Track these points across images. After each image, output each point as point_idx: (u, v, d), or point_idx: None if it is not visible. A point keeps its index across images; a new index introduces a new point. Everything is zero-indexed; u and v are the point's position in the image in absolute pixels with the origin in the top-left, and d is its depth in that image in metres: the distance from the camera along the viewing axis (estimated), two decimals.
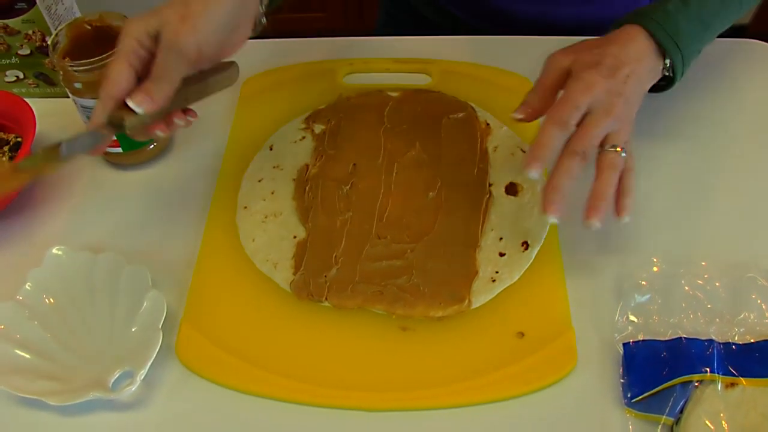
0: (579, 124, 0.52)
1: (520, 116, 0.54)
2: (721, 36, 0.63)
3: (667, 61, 0.56)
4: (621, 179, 0.53)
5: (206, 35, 0.49)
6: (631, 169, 0.53)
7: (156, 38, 0.48)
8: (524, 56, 0.66)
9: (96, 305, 0.54)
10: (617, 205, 0.53)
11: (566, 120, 0.51)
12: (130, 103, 0.47)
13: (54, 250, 0.55)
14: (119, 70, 0.48)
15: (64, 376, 0.50)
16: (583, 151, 0.51)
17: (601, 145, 0.52)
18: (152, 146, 0.64)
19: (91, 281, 0.54)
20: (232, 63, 0.56)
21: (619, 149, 0.52)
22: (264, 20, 0.55)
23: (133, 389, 0.48)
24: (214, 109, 0.69)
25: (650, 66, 0.55)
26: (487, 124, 0.64)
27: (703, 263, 0.54)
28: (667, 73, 0.57)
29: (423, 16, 0.86)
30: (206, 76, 0.54)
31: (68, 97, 0.60)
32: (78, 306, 0.54)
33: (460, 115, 0.64)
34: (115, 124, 0.48)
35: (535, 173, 0.51)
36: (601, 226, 0.51)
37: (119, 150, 0.62)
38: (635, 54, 0.54)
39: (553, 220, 0.51)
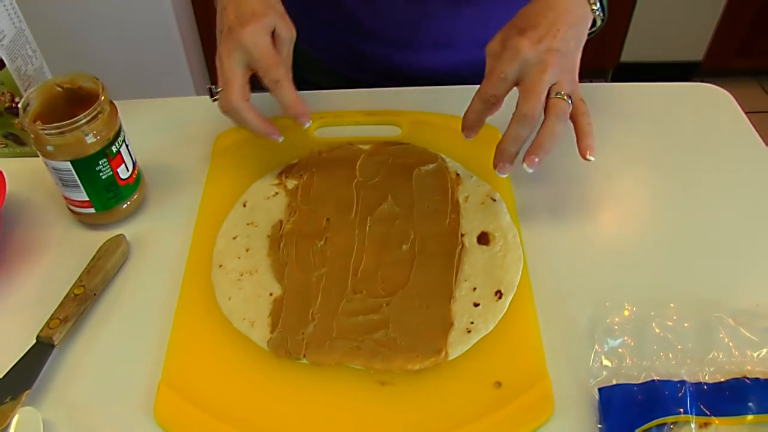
0: (521, 86, 0.54)
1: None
2: (674, 79, 0.66)
3: (596, 5, 0.58)
4: (577, 123, 0.56)
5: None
6: (584, 113, 0.56)
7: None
8: None
9: None
10: (580, 147, 0.56)
11: (492, 93, 0.55)
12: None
13: None
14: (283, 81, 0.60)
15: None
16: (530, 113, 0.53)
17: (547, 95, 0.54)
18: (125, 205, 0.63)
19: None
20: (120, 236, 0.61)
21: (564, 96, 0.54)
22: None
23: None
24: (188, 166, 0.69)
25: (579, 13, 0.57)
26: (457, 175, 0.65)
27: (671, 305, 0.56)
28: (598, 12, 0.59)
29: (316, 85, 0.81)
30: (105, 263, 0.59)
31: (39, 156, 0.60)
32: None
33: (431, 166, 0.65)
34: (45, 343, 0.54)
35: (466, 136, 0.58)
36: (532, 169, 0.55)
37: (92, 210, 0.62)
38: (562, 6, 0.56)
39: (502, 175, 0.57)
